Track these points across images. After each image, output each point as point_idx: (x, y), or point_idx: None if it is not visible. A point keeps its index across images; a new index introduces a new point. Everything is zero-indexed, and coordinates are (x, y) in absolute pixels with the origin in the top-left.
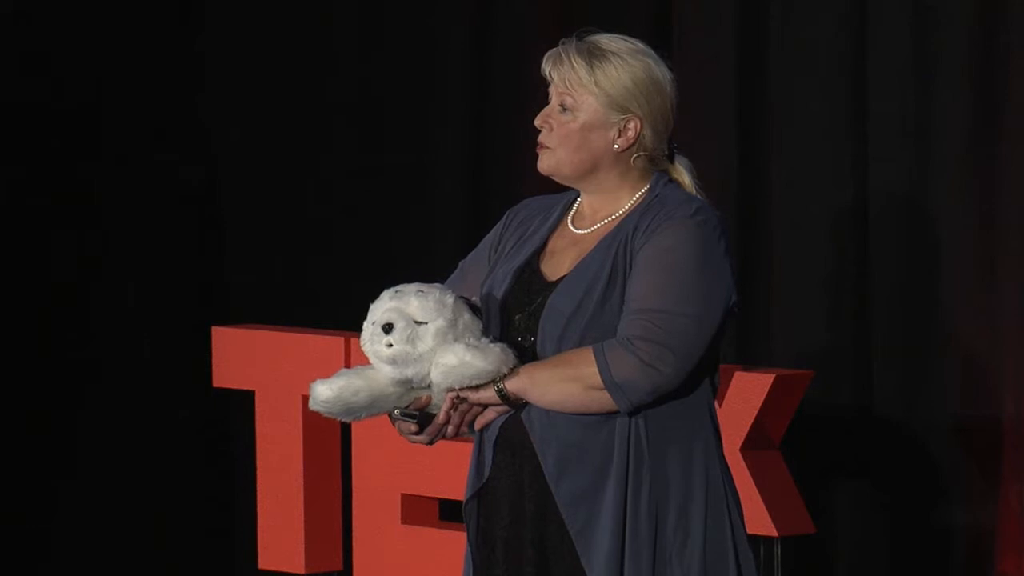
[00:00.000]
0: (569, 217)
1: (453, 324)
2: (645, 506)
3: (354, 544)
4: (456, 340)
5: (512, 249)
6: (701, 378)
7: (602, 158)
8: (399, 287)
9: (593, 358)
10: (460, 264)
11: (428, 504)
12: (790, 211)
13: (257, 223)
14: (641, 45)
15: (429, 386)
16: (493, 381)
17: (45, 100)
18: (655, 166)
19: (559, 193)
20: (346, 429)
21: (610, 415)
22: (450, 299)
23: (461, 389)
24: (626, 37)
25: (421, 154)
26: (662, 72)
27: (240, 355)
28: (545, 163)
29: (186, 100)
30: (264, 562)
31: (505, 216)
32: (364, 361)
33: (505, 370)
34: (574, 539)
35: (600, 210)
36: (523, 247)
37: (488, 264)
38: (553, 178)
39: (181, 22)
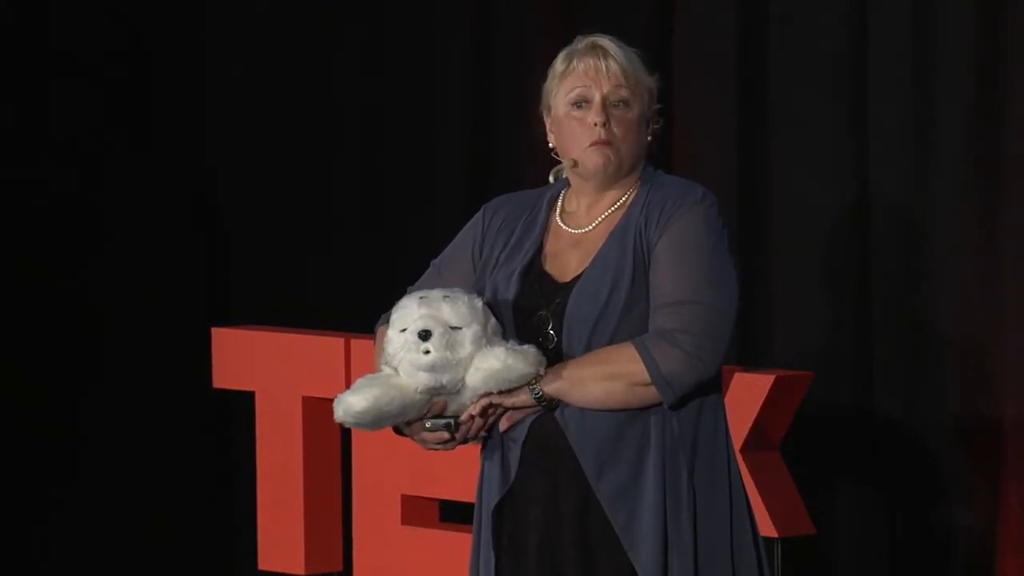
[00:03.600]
0: (558, 216)
1: (485, 328)
2: (684, 495)
3: (354, 545)
4: (489, 344)
5: (503, 253)
6: (723, 365)
7: (642, 151)
8: (422, 293)
9: (637, 355)
10: (433, 264)
11: (428, 505)
12: (790, 211)
13: (257, 224)
14: None
15: (459, 391)
16: (528, 384)
17: (45, 99)
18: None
19: (531, 190)
20: (346, 430)
21: (643, 408)
22: (479, 303)
23: (498, 393)
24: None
25: (422, 155)
26: None
27: (240, 356)
28: (614, 159)
29: (186, 100)
30: (264, 563)
31: (481, 215)
32: (364, 363)
33: (542, 370)
34: (619, 534)
35: (594, 206)
36: (517, 250)
37: (472, 264)
38: (601, 174)
39: (182, 21)
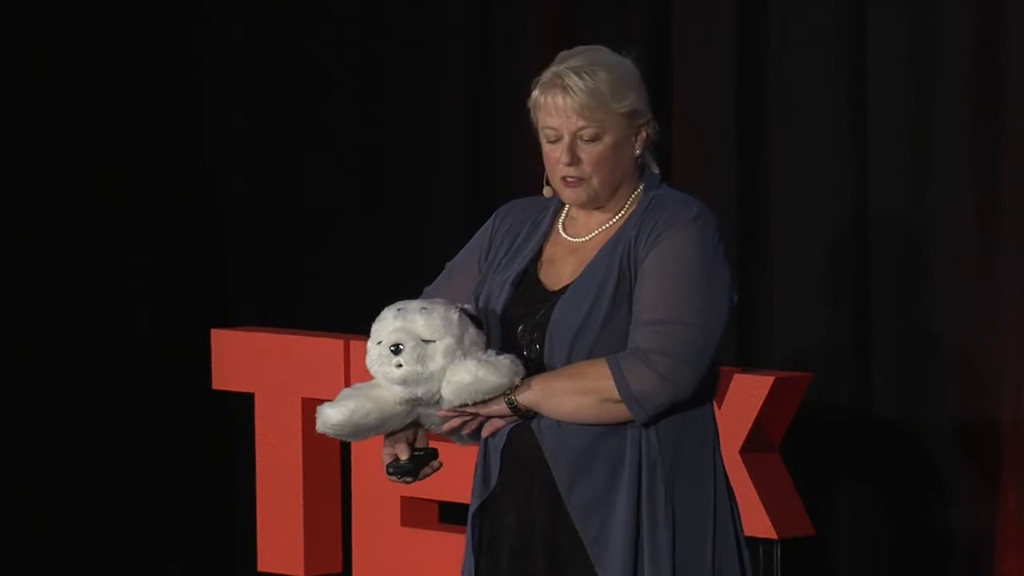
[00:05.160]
0: (560, 223)
1: (460, 340)
2: (662, 511)
3: (353, 546)
4: (465, 356)
5: (505, 257)
6: (710, 381)
7: (628, 169)
8: (400, 304)
9: (609, 371)
10: (447, 266)
11: (427, 506)
12: (790, 212)
13: (257, 224)
14: (598, 47)
15: (438, 402)
16: (504, 394)
17: (46, 100)
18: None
19: (544, 196)
20: None
21: (620, 423)
22: (455, 315)
23: (473, 404)
24: (580, 48)
25: (421, 157)
26: (631, 63)
27: (239, 357)
28: (584, 195)
29: (185, 100)
30: (264, 564)
31: (492, 219)
32: (363, 364)
33: (517, 381)
34: (588, 548)
35: (594, 215)
36: (517, 255)
37: (478, 269)
38: (585, 208)
39: (181, 20)
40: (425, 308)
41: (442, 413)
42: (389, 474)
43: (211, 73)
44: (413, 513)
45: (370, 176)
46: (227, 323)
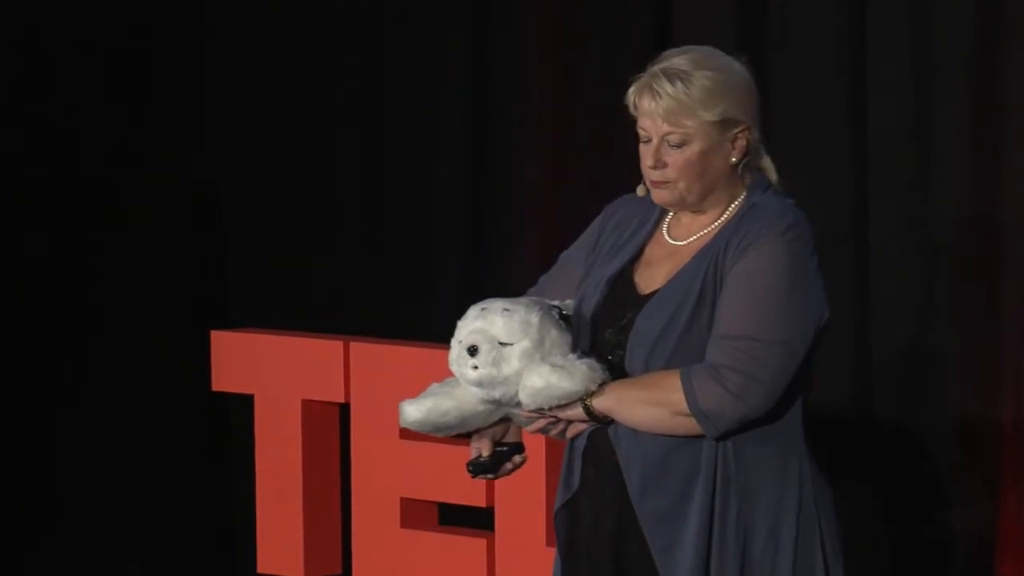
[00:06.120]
0: (666, 224)
1: (540, 344)
2: (733, 527)
3: (353, 548)
4: (543, 359)
5: (608, 253)
6: (793, 397)
7: (721, 176)
8: (485, 303)
9: (680, 384)
10: (560, 257)
11: (427, 508)
12: None
13: (257, 226)
14: (708, 49)
15: (518, 404)
16: (580, 399)
17: (46, 101)
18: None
19: None
20: (346, 432)
21: (696, 436)
22: (536, 317)
23: (549, 409)
24: (688, 48)
25: (421, 157)
26: (741, 67)
27: (239, 359)
28: (668, 197)
29: (187, 103)
30: (263, 566)
31: (604, 212)
32: (363, 365)
33: (593, 387)
34: (656, 559)
35: (695, 220)
36: (619, 253)
37: (585, 263)
38: (673, 209)
39: (182, 24)
40: (507, 309)
41: (526, 414)
42: (469, 471)
43: (211, 73)
44: (413, 515)
45: (370, 176)
46: (227, 324)
